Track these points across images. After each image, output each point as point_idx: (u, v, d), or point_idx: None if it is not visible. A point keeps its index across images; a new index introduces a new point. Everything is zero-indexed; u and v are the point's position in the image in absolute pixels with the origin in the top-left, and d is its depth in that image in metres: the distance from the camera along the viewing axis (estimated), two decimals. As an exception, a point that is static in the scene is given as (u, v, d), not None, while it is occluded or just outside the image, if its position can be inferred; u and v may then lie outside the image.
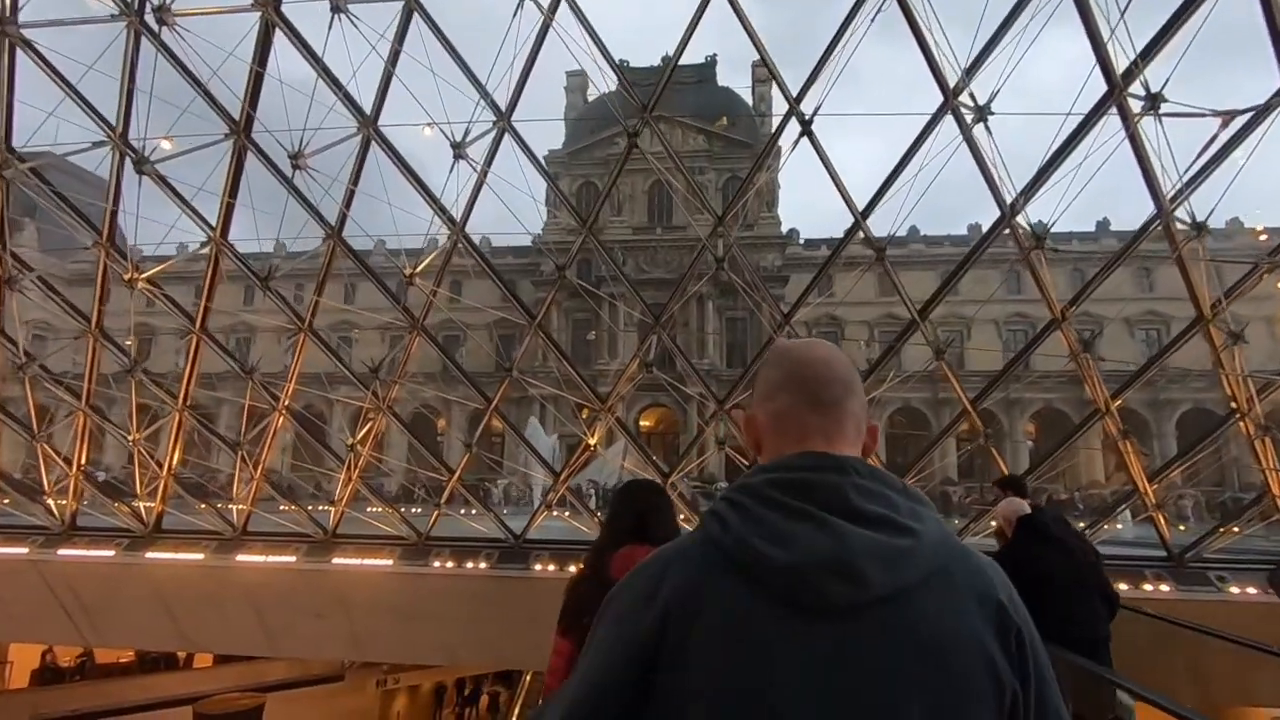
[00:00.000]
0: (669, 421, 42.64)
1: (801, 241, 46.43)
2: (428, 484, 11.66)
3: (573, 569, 10.57)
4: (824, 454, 1.04)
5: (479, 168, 8.04)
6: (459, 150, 8.04)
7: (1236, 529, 9.03)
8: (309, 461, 10.59)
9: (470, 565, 9.97)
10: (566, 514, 10.88)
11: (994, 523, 5.24)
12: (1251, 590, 8.56)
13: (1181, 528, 8.74)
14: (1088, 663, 4.81)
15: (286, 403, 9.08)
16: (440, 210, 8.13)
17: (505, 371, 8.90)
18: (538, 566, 9.86)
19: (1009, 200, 7.18)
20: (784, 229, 45.76)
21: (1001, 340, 40.34)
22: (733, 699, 0.89)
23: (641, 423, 43.23)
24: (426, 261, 8.16)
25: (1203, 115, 6.04)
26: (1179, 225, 6.74)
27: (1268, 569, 8.43)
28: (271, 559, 10.13)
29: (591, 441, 9.42)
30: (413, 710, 22.09)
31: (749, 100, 47.88)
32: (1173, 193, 6.56)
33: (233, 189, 8.15)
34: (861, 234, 7.73)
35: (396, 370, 9.06)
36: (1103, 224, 40.75)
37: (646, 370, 9.06)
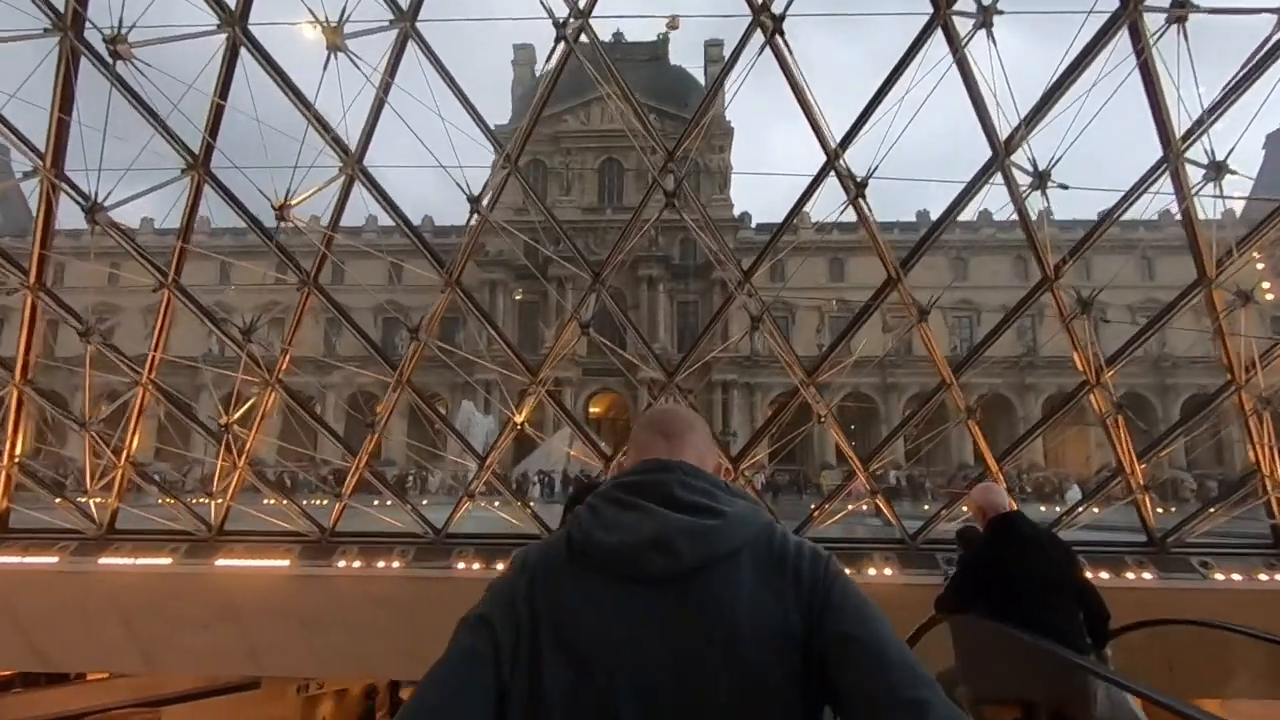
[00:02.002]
0: (619, 408, 41.63)
1: (753, 226, 45.85)
2: (336, 473, 10.21)
3: (500, 566, 9.41)
4: (657, 460, 1.25)
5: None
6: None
7: (1213, 510, 8.44)
8: (187, 448, 9.02)
9: (382, 564, 8.65)
10: (496, 504, 9.65)
11: (965, 507, 4.69)
12: (1237, 576, 7.97)
13: (1160, 510, 8.04)
14: (1064, 650, 4.20)
15: (152, 376, 7.55)
16: (334, 141, 6.76)
17: (412, 334, 7.59)
18: (461, 564, 8.63)
19: (1004, 136, 6.28)
20: (735, 212, 45.00)
21: (948, 326, 40.74)
22: (578, 660, 1.06)
23: (591, 409, 42.09)
24: (308, 196, 6.78)
25: (1255, 12, 5.18)
26: (1191, 165, 5.94)
27: (1257, 553, 7.85)
28: (143, 561, 8.61)
29: (518, 419, 8.21)
30: (341, 716, 20.48)
31: (702, 81, 46.95)
32: (1186, 130, 5.74)
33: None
34: (835, 173, 6.71)
35: (286, 335, 7.64)
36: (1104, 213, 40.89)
37: (584, 333, 7.90)
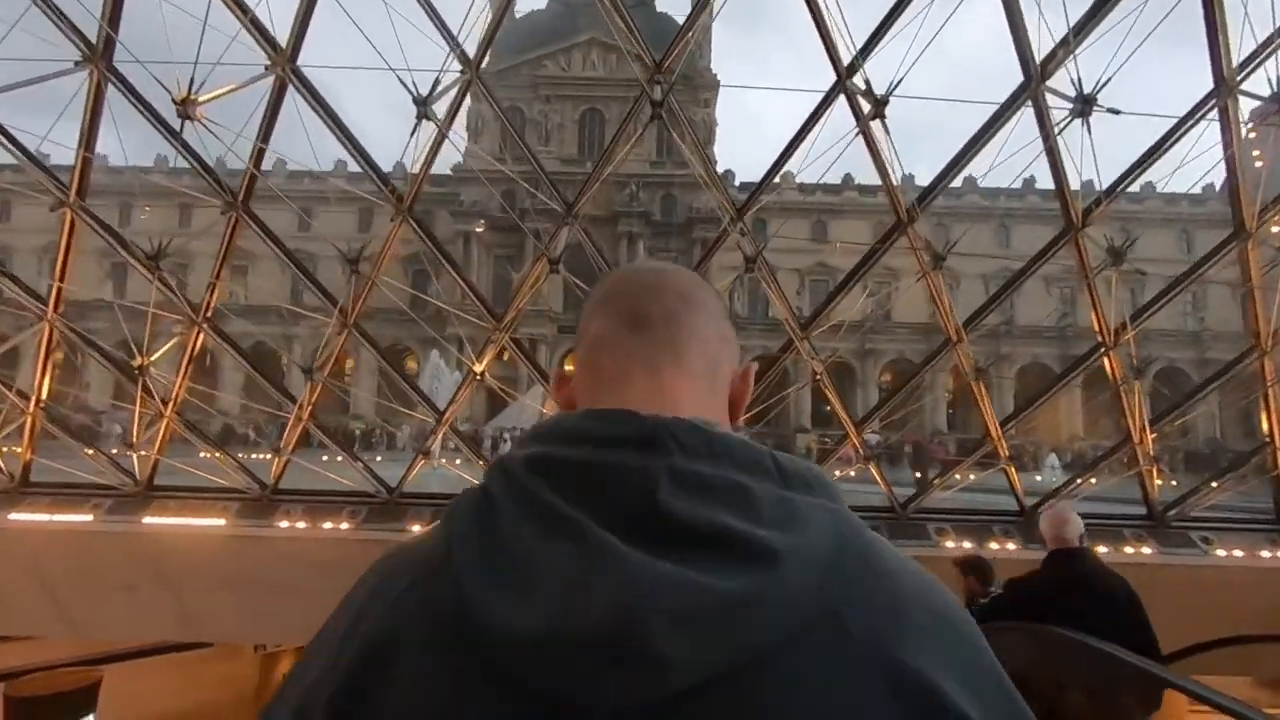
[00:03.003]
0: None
1: (737, 184, 44.80)
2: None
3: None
4: (625, 414, 0.59)
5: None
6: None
7: (1216, 484, 8.02)
8: (119, 397, 8.08)
9: (330, 525, 7.92)
10: (458, 462, 8.93)
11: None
12: (1239, 553, 7.59)
13: (1175, 483, 7.60)
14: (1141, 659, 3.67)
15: (58, 311, 6.59)
16: (256, 32, 5.73)
17: (351, 266, 6.70)
18: (416, 527, 7.92)
19: (1039, 58, 5.52)
20: (719, 169, 43.88)
21: (927, 290, 40.42)
22: None
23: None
24: (221, 94, 5.77)
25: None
26: (1247, 96, 5.28)
27: (1260, 529, 7.47)
28: (60, 518, 7.77)
29: (478, 369, 7.43)
30: (301, 673, 19.98)
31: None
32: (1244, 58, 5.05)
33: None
34: (845, 95, 5.90)
35: (214, 266, 6.70)
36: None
37: (553, 269, 7.10)
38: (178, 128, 5.74)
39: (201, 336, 6.90)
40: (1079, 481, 7.67)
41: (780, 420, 35.89)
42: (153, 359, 6.61)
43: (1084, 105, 5.48)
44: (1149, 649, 3.94)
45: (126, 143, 6.98)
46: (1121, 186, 5.97)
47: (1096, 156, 5.61)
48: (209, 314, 6.81)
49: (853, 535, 0.56)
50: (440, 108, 6.20)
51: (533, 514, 0.55)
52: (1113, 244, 6.16)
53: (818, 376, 6.87)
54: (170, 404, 7.20)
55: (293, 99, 6.45)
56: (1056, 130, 5.68)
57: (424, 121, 6.05)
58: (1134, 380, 6.62)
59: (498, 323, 7.31)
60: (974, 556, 4.75)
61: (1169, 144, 5.78)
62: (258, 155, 6.21)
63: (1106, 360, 6.72)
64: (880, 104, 5.78)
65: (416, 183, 6.58)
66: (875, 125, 5.89)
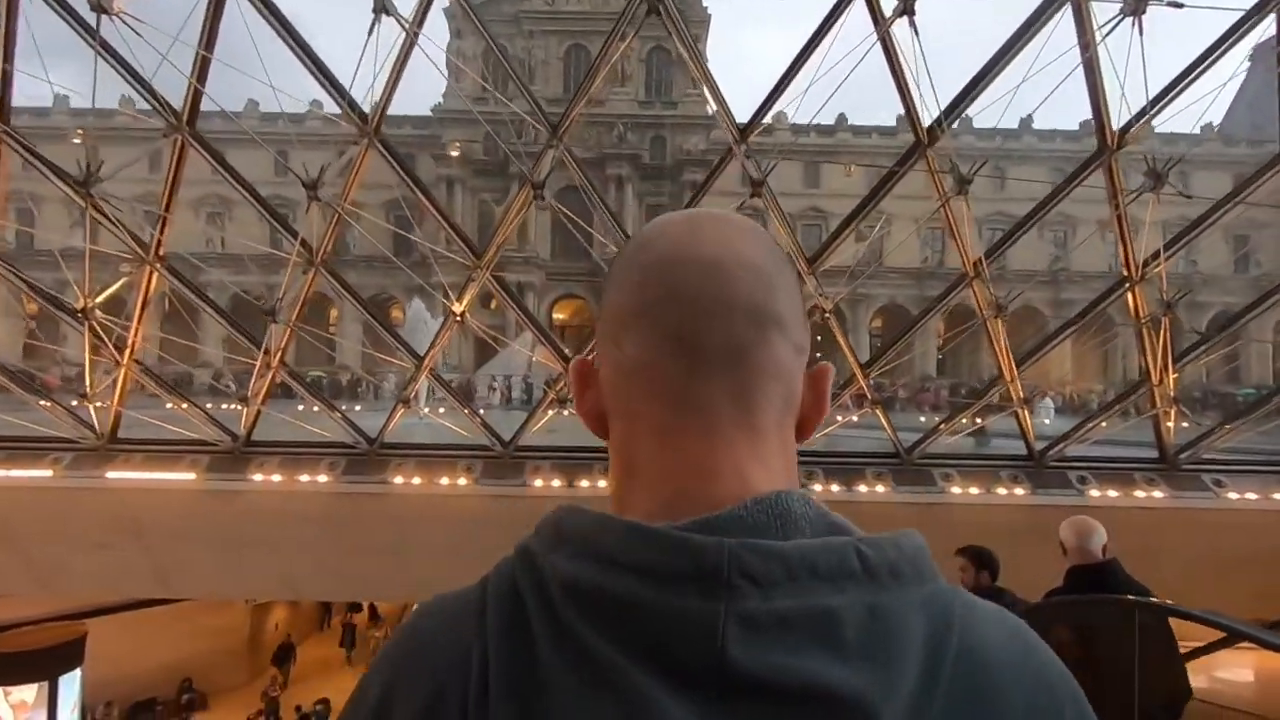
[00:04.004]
0: (584, 315, 40.33)
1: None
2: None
3: (445, 481, 8.38)
4: (681, 541, 0.48)
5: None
6: None
7: (1229, 426, 7.74)
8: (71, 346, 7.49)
9: (307, 478, 7.53)
10: (441, 412, 8.51)
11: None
12: (1252, 495, 7.36)
13: (1184, 425, 7.30)
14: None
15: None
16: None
17: (310, 191, 6.06)
18: (399, 479, 7.55)
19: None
20: (710, 110, 42.43)
21: (919, 237, 39.95)
22: None
23: (555, 315, 40.73)
24: None
25: None
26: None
27: (1275, 470, 7.22)
28: (18, 474, 7.32)
29: (457, 309, 6.92)
30: (295, 622, 19.95)
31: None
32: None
33: None
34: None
35: (162, 195, 6.04)
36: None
37: (538, 199, 6.53)
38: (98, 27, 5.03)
39: (155, 278, 6.33)
40: (1091, 425, 7.37)
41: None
42: (97, 300, 6.06)
43: (1138, 1, 4.87)
44: (1175, 667, 3.62)
45: (89, 85, 6.16)
46: (1162, 104, 5.43)
47: (1142, 68, 5.02)
48: (160, 252, 6.22)
49: (946, 629, 0.51)
50: (407, 7, 5.50)
51: (575, 658, 0.48)
52: (1153, 165, 5.65)
53: (826, 315, 6.43)
54: (127, 351, 6.66)
55: (249, 22, 5.74)
56: (1100, 35, 5.09)
57: (384, 20, 5.36)
58: (1163, 316, 6.23)
59: (478, 260, 6.76)
60: (984, 550, 4.35)
61: (1213, 60, 5.23)
62: (201, 66, 5.52)
63: (1130, 296, 6.32)
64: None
65: (384, 98, 5.91)
66: (896, 31, 5.26)
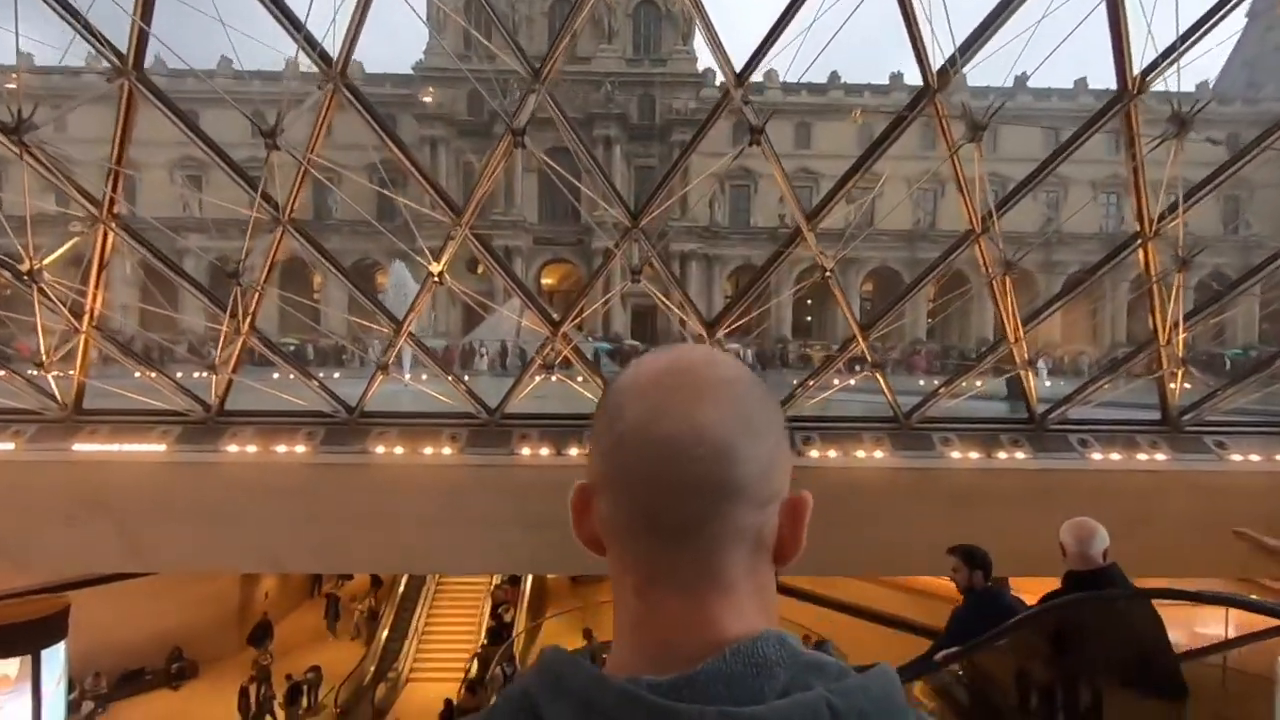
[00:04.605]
0: (573, 279, 39.71)
1: (718, 83, 42.43)
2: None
3: (429, 451, 8.09)
4: (663, 708, 0.54)
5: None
6: None
7: (1232, 390, 7.57)
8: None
9: (284, 449, 7.22)
10: (424, 378, 8.18)
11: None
12: (1255, 457, 7.22)
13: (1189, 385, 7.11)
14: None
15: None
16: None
17: (269, 140, 5.58)
18: (380, 448, 7.26)
19: None
20: (699, 67, 41.30)
21: (912, 200, 39.49)
22: None
23: (543, 280, 40.13)
24: None
25: None
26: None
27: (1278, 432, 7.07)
28: (-24, 446, 6.97)
29: (435, 269, 6.54)
30: (285, 591, 19.83)
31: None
32: None
33: None
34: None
35: (112, 147, 5.57)
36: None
37: (519, 145, 6.11)
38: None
39: (111, 238, 5.90)
40: (1095, 386, 7.16)
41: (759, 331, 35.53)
42: (45, 262, 5.64)
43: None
44: (1172, 677, 3.46)
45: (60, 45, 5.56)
46: (1186, 45, 5.07)
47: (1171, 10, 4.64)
48: (114, 209, 5.78)
49: None
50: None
51: None
52: (1178, 110, 5.31)
53: (827, 274, 6.12)
54: (85, 317, 6.26)
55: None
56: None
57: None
58: (1177, 272, 5.96)
59: (458, 216, 6.36)
60: (977, 549, 4.21)
61: (1231, 6, 4.86)
62: (144, 3, 5.02)
63: (1143, 252, 6.04)
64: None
65: (349, 37, 5.44)
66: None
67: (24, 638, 12.24)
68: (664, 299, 7.29)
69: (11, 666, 12.12)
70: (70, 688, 13.61)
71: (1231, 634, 4.21)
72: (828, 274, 6.22)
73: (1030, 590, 4.12)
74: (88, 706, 14.21)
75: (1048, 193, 39.29)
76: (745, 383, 0.63)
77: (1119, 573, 3.55)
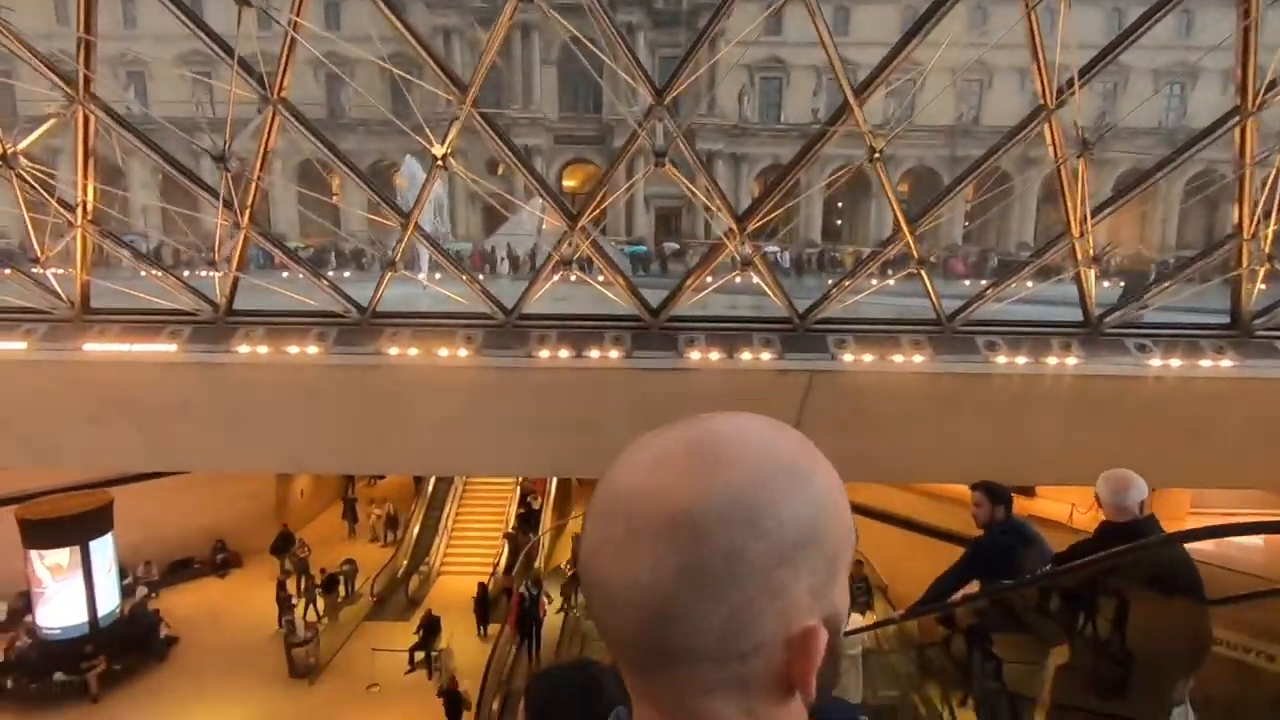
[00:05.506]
0: (597, 182, 38.46)
1: (750, -37, 39.05)
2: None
3: (444, 352, 7.84)
4: None
5: None
6: None
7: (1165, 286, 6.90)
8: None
9: (296, 349, 7.00)
10: (438, 278, 7.82)
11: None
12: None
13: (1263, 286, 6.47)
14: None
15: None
16: None
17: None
18: (394, 349, 7.01)
19: None
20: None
21: (957, 90, 36.93)
22: None
23: (565, 182, 38.89)
24: None
25: None
26: None
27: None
28: (-10, 346, 6.84)
29: (439, 151, 6.02)
30: (318, 490, 20.53)
31: None
32: None
33: None
34: None
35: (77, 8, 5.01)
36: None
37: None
38: None
39: (93, 122, 5.45)
40: (1165, 286, 6.55)
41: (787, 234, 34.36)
42: (22, 145, 5.23)
43: None
44: (1204, 640, 3.18)
45: None
46: None
47: None
48: (90, 88, 5.29)
49: None
50: None
51: None
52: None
53: (876, 155, 5.48)
54: (80, 210, 5.92)
55: None
56: None
57: None
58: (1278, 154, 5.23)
59: (462, 94, 5.76)
60: (999, 485, 4.13)
61: None
62: None
63: (1239, 132, 5.29)
64: None
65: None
66: None
67: (72, 530, 12.87)
68: (690, 186, 6.70)
69: (63, 556, 12.80)
70: (123, 575, 14.45)
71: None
72: (876, 155, 5.58)
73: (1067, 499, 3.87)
74: (141, 591, 15.06)
75: (1104, 82, 36.37)
76: (715, 514, 0.50)
77: (1156, 525, 3.27)
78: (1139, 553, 3.18)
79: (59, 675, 12.09)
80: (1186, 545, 3.20)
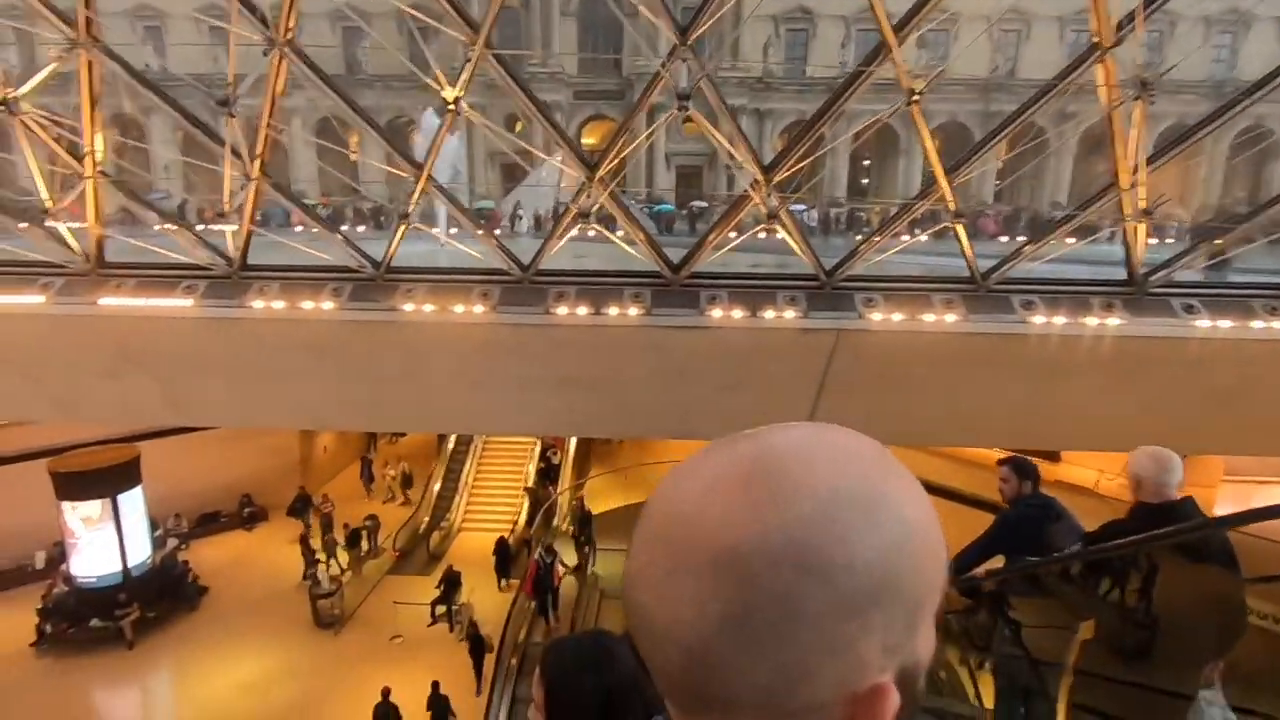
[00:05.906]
0: (616, 130, 37.61)
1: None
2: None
3: (460, 309, 7.69)
4: None
5: None
6: None
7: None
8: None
9: (310, 305, 6.90)
10: (452, 233, 7.64)
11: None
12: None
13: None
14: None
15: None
16: None
17: None
18: (409, 305, 6.89)
19: None
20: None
21: (992, 40, 35.36)
22: None
23: (584, 139, 38.18)
24: None
25: None
26: None
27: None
28: (7, 299, 6.83)
29: (451, 94, 5.77)
30: (342, 446, 20.78)
31: None
32: None
33: None
34: None
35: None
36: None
37: None
38: None
39: (97, 67, 5.28)
40: (1219, 241, 6.18)
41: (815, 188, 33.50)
42: (23, 90, 5.09)
43: None
44: (1237, 619, 3.05)
45: None
46: None
47: None
48: (91, 30, 5.11)
49: None
50: None
51: None
52: None
53: (915, 97, 5.15)
54: (89, 160, 5.79)
55: None
56: None
57: None
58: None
59: (474, 33, 5.49)
60: (1026, 460, 4.02)
61: None
62: None
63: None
64: None
65: None
66: None
67: (101, 483, 13.16)
68: (715, 133, 6.39)
69: (94, 508, 13.12)
70: (154, 526, 14.82)
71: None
72: (916, 97, 5.24)
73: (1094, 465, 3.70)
74: (172, 543, 15.45)
75: (1148, 31, 34.63)
76: (768, 554, 0.43)
77: (1195, 509, 3.11)
78: (1179, 536, 3.01)
79: (95, 621, 12.50)
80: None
